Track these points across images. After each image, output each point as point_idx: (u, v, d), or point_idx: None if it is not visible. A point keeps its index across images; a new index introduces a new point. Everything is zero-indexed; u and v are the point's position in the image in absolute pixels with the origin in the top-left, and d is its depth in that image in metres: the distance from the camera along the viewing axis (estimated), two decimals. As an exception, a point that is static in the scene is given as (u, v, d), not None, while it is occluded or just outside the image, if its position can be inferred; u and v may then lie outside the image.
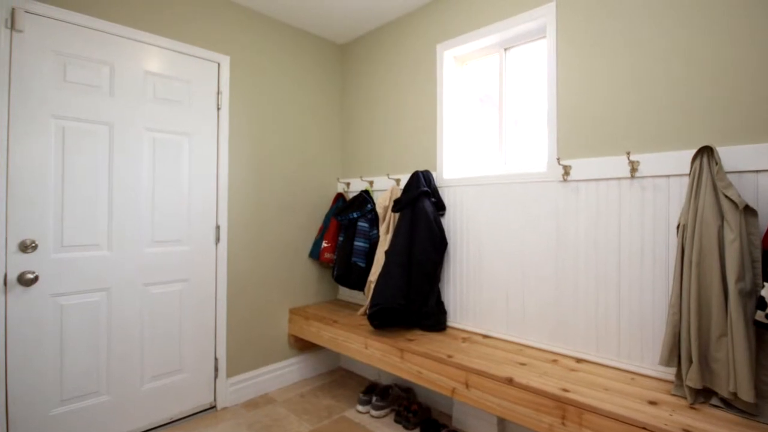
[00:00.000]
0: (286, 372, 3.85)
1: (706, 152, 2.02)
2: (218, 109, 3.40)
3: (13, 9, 2.49)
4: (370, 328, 3.21)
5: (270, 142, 3.76)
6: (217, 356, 3.39)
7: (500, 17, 3.02)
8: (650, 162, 2.30)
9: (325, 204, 4.24)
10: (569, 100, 2.66)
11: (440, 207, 3.30)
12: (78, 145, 2.74)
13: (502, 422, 2.87)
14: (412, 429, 3.08)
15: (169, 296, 3.16)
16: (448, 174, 3.36)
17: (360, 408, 3.36)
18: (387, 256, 3.15)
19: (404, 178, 3.65)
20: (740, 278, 1.84)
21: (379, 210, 3.57)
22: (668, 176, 2.25)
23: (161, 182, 3.11)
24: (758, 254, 1.88)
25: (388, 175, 3.80)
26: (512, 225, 2.92)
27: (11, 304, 2.49)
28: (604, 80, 2.52)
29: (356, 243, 3.68)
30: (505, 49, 3.17)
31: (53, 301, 2.65)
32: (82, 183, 2.76)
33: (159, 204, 3.10)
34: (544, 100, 2.89)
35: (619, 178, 2.42)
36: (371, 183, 3.98)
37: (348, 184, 4.24)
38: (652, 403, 1.99)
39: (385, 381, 3.83)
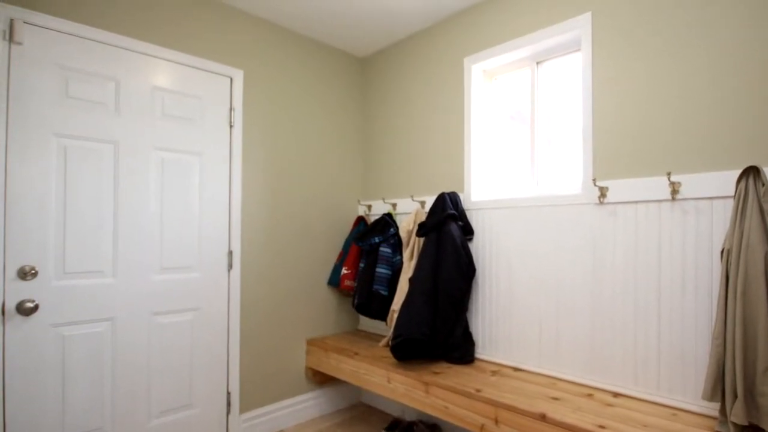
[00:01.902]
0: (303, 407, 3.92)
1: (752, 172, 2.07)
2: (231, 126, 3.50)
3: (11, 20, 2.53)
4: (393, 360, 3.27)
5: (286, 161, 3.87)
6: (230, 390, 3.45)
7: (532, 29, 3.11)
8: (692, 183, 2.36)
9: (345, 228, 4.33)
10: (606, 117, 2.72)
11: (468, 231, 3.38)
12: (81, 166, 2.78)
13: (535, 463, 2.90)
14: (439, 469, 3.11)
15: (179, 326, 3.21)
16: (476, 196, 3.44)
17: (382, 446, 3.40)
18: (411, 283, 3.22)
19: (429, 200, 3.71)
20: (787, 307, 1.87)
21: (403, 234, 3.65)
22: (711, 198, 2.30)
23: (170, 204, 3.16)
24: (807, 282, 1.91)
25: (412, 197, 3.88)
26: (545, 250, 2.98)
27: (9, 335, 2.52)
28: (642, 96, 2.58)
29: (378, 269, 3.74)
30: (538, 63, 3.26)
31: (54, 332, 2.67)
32: (86, 205, 2.80)
33: (168, 228, 3.15)
34: (579, 117, 2.95)
35: (659, 201, 2.48)
36: (394, 205, 4.07)
37: (369, 207, 4.34)
38: (695, 440, 2.01)
39: (409, 417, 3.87)
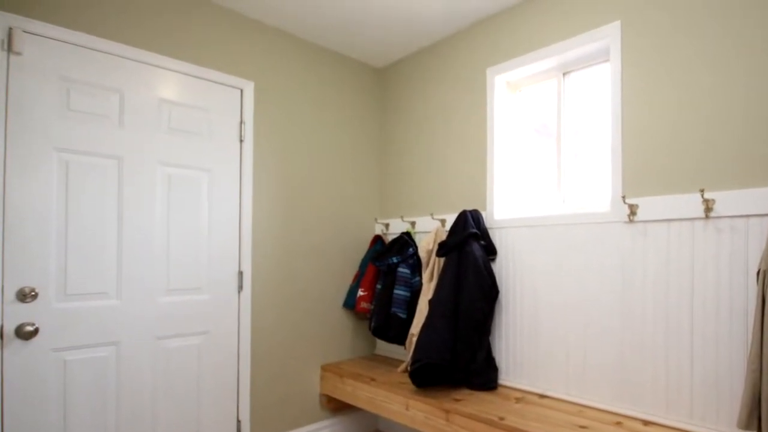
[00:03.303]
0: (316, 437, 3.95)
1: (788, 189, 2.09)
2: (241, 141, 3.55)
3: (10, 29, 2.55)
4: (412, 386, 3.30)
5: (299, 177, 3.94)
6: (240, 418, 3.49)
7: (558, 38, 3.17)
8: (727, 200, 2.39)
9: (362, 247, 4.39)
10: (635, 131, 2.77)
11: (491, 251, 3.42)
12: (83, 181, 2.80)
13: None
14: (460, 504, 3.12)
15: (186, 351, 3.24)
16: (499, 214, 3.49)
17: (400, 479, 3.42)
18: (431, 305, 3.27)
19: (450, 219, 3.74)
20: (825, 331, 1.89)
21: (422, 254, 3.70)
22: (747, 216, 2.33)
23: (177, 223, 3.20)
24: None
25: (431, 214, 3.94)
26: (572, 271, 3.02)
27: (8, 360, 2.53)
28: (674, 107, 2.63)
29: (396, 291, 3.79)
30: (564, 74, 3.32)
31: (55, 356, 2.69)
32: (89, 224, 2.82)
33: (175, 247, 3.19)
34: (608, 130, 2.99)
35: (691, 219, 2.51)
36: (413, 224, 4.13)
37: (387, 225, 4.40)
38: (730, 471, 2.03)
39: (428, 450, 3.89)
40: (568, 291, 3.03)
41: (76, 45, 2.80)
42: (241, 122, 3.54)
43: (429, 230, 3.94)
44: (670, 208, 2.58)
